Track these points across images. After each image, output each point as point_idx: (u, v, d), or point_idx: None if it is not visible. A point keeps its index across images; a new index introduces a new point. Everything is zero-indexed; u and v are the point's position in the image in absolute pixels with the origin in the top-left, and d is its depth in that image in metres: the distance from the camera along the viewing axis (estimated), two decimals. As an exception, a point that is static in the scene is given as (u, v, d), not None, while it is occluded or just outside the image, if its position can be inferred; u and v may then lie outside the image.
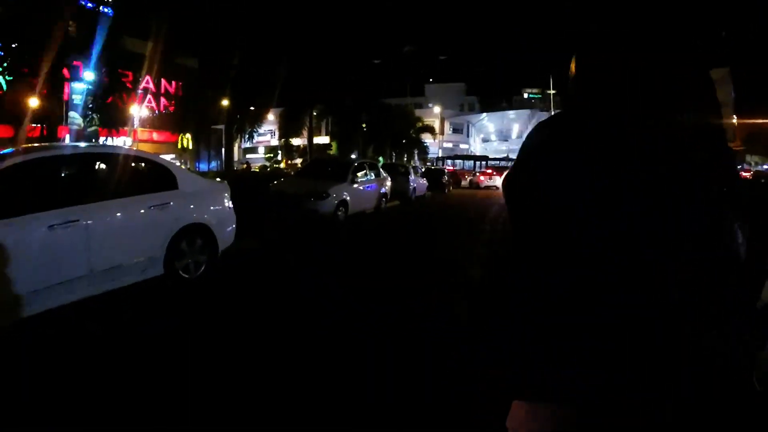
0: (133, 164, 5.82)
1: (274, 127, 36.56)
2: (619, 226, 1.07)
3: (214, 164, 26.04)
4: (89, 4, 30.21)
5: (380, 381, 3.57)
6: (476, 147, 71.67)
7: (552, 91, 59.75)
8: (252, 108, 22.11)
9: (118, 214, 5.25)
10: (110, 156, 5.87)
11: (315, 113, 31.35)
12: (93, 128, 37.10)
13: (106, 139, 27.53)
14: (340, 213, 11.49)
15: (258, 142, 55.70)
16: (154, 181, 5.90)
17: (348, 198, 11.91)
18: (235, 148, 53.60)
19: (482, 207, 18.74)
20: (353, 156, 28.64)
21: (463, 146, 67.41)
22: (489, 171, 35.24)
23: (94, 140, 37.13)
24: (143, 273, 5.50)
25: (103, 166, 5.63)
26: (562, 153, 1.19)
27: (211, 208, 6.50)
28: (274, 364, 3.87)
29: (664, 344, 1.03)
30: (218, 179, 7.65)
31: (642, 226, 1.06)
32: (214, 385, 3.46)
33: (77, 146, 6.94)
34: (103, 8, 29.95)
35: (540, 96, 78.41)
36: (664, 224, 1.05)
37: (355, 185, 12.73)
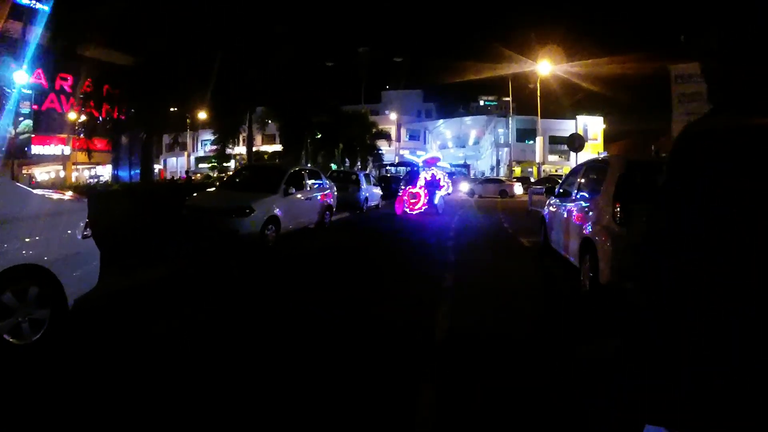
0: None
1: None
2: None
3: (136, 172, 23.55)
4: (24, 1, 27.13)
5: None
6: (433, 153, 71.12)
7: (508, 98, 59.53)
8: (176, 110, 19.80)
9: None
10: None
11: (266, 119, 29.05)
12: (26, 135, 34.04)
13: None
14: (268, 232, 9.56)
15: (211, 150, 52.82)
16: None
17: (279, 213, 9.95)
18: (185, 157, 50.86)
19: (442, 216, 17.17)
20: (306, 163, 26.56)
21: (420, 153, 66.55)
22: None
23: (26, 149, 34.03)
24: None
25: None
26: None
27: (52, 240, 4.55)
28: None
29: (663, 345, 0.99)
30: (74, 195, 5.54)
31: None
32: None
33: None
34: (38, 3, 27.04)
35: (496, 103, 78.95)
36: (657, 223, 1.02)
37: (291, 197, 10.75)
